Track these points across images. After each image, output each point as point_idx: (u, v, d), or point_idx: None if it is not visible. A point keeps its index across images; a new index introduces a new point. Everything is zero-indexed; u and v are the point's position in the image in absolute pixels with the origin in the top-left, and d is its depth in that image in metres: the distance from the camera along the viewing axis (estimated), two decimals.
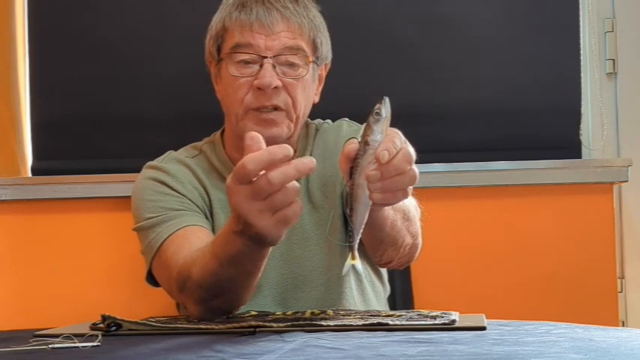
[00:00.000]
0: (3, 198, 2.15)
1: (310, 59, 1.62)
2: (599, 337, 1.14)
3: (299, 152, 1.68)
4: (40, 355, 1.09)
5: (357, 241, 1.21)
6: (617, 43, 2.24)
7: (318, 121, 1.77)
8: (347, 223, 1.24)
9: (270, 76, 1.57)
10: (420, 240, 1.56)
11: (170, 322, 1.36)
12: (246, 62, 1.60)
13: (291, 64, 1.60)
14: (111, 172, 2.15)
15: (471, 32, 2.18)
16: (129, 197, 2.13)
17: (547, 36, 2.19)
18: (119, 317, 1.27)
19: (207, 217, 1.64)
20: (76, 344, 1.12)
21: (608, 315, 2.10)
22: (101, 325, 1.27)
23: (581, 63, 2.20)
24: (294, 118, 1.62)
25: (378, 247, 1.48)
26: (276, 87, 1.58)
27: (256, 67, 1.59)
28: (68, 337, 1.14)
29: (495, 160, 2.14)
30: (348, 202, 1.21)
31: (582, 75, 2.20)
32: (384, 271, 1.75)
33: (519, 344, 1.06)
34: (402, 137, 1.21)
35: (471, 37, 2.18)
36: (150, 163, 1.72)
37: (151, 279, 1.62)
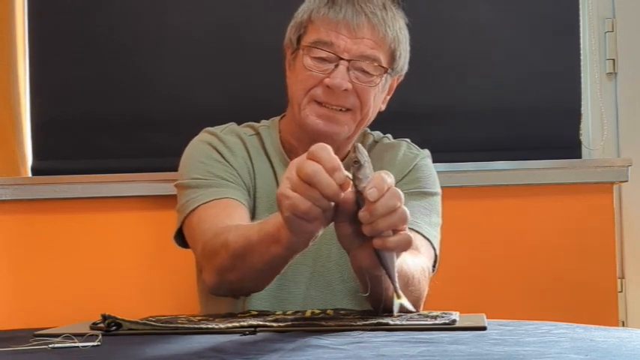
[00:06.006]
0: (3, 198, 2.15)
1: (386, 70, 1.62)
2: (599, 337, 1.14)
3: (349, 157, 1.68)
4: (40, 354, 1.09)
5: (396, 282, 1.22)
6: (617, 43, 2.24)
7: (378, 133, 1.76)
8: None
9: (342, 78, 1.57)
10: (421, 304, 1.52)
11: (170, 321, 1.36)
12: (323, 59, 1.59)
13: (365, 72, 1.60)
14: (111, 172, 2.15)
15: (471, 32, 2.19)
16: (129, 197, 2.15)
17: (547, 36, 2.19)
18: (119, 317, 1.27)
19: (249, 195, 1.65)
20: (76, 344, 1.12)
21: (609, 315, 2.10)
22: (101, 325, 1.27)
23: (581, 63, 2.20)
24: (359, 119, 1.62)
25: (373, 301, 1.47)
26: (345, 90, 1.58)
27: (331, 66, 1.59)
28: (68, 337, 1.14)
29: (495, 160, 2.14)
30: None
31: (582, 75, 2.20)
32: None
33: (520, 344, 1.06)
34: (391, 177, 1.20)
35: (471, 37, 2.18)
36: (208, 128, 1.73)
37: (179, 240, 1.65)
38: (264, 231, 1.34)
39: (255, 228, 1.39)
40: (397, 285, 1.22)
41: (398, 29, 1.64)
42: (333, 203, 1.19)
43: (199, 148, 1.69)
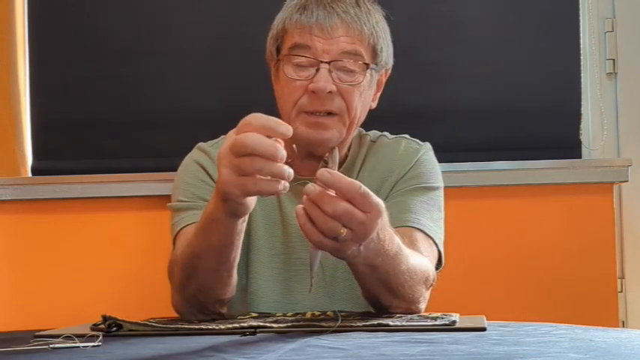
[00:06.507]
0: (3, 198, 2.15)
1: (368, 65, 1.60)
2: (598, 337, 1.14)
3: (348, 160, 1.69)
4: (41, 354, 1.09)
5: (313, 273, 1.27)
6: (617, 43, 2.24)
7: (374, 132, 1.75)
8: None
9: (325, 80, 1.56)
10: (423, 305, 1.50)
11: (171, 322, 1.36)
12: (303, 65, 1.59)
13: (348, 70, 1.59)
14: (111, 172, 2.15)
15: (471, 32, 2.19)
16: (129, 197, 2.15)
17: (547, 36, 2.19)
18: (120, 318, 1.27)
19: None
20: (77, 344, 1.12)
21: (608, 315, 2.10)
22: (102, 326, 1.27)
23: (581, 63, 2.20)
24: (348, 123, 1.60)
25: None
26: (330, 92, 1.56)
27: (313, 70, 1.58)
28: (69, 337, 1.14)
29: (495, 160, 2.14)
30: None
31: (582, 75, 2.20)
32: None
33: (519, 344, 1.06)
34: (373, 200, 1.23)
35: (471, 37, 2.18)
36: (201, 144, 1.73)
37: None
38: (200, 224, 1.38)
39: (194, 231, 1.42)
40: (313, 275, 1.26)
41: (374, 23, 1.62)
42: (283, 166, 1.22)
43: (188, 168, 1.70)
